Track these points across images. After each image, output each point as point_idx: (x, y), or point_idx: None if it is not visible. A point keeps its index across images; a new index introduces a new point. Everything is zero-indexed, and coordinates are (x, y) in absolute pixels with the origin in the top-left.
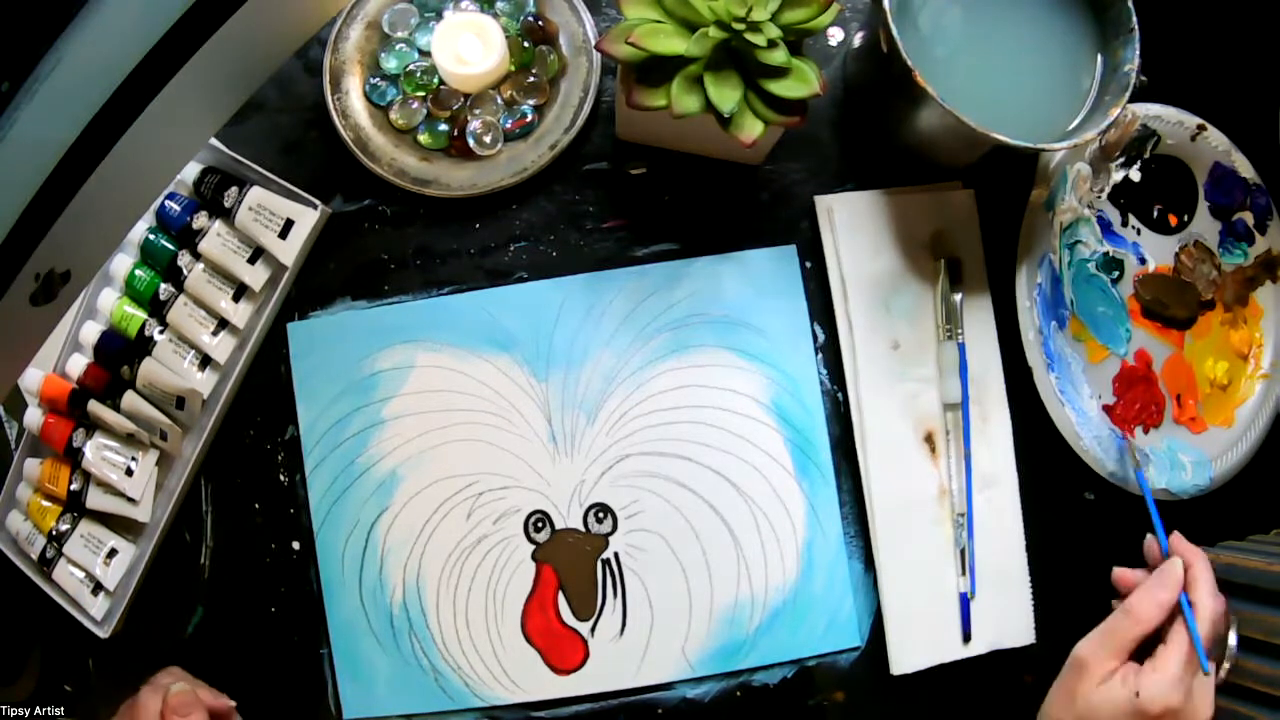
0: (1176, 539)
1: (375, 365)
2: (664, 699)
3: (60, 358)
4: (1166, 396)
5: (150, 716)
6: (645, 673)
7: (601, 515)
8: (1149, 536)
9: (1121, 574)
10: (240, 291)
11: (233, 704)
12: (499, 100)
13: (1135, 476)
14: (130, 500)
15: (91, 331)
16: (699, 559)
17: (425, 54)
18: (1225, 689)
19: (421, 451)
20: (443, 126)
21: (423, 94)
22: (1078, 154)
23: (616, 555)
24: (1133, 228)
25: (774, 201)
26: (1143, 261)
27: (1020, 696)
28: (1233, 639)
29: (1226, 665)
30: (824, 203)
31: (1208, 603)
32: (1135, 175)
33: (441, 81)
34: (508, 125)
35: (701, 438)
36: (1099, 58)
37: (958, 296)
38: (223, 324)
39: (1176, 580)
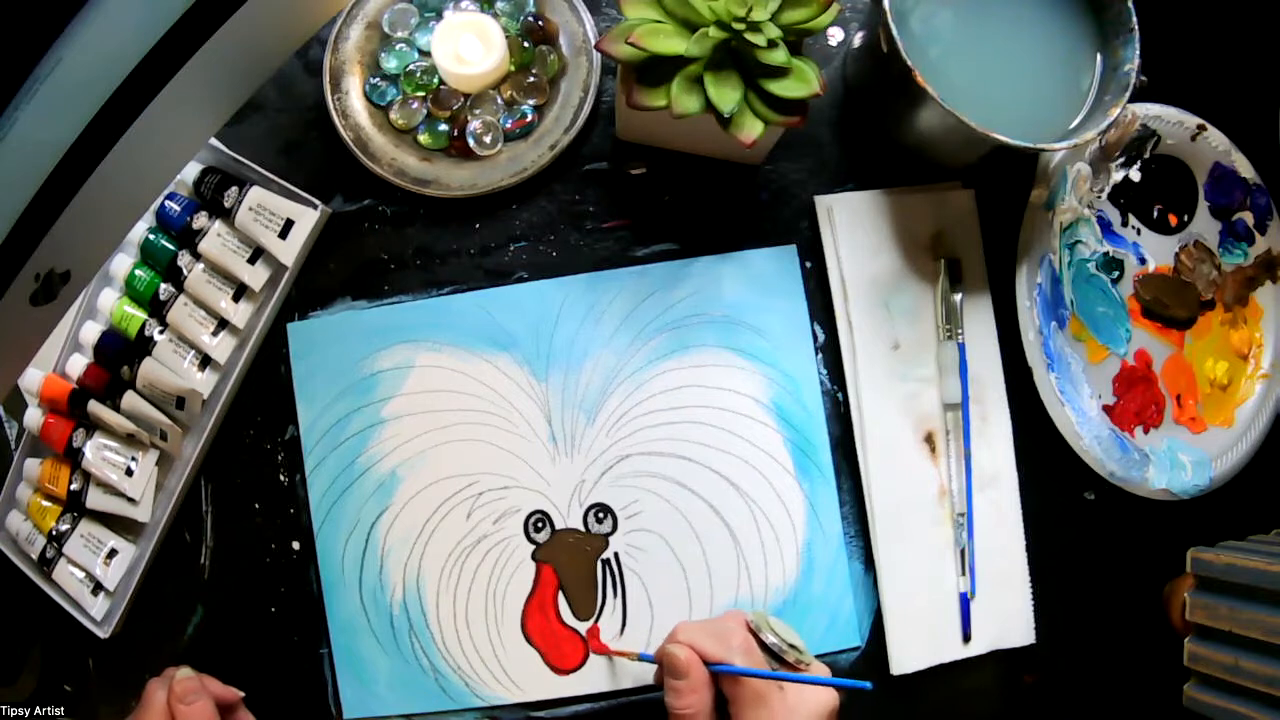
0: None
1: (375, 365)
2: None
3: (60, 358)
4: (1166, 396)
5: (157, 706)
6: (645, 673)
7: (601, 515)
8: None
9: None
10: (240, 291)
11: (241, 695)
12: (499, 100)
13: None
14: (130, 500)
15: (91, 331)
16: (699, 559)
17: (425, 54)
18: (1226, 688)
19: (421, 451)
20: (443, 126)
21: (423, 94)
22: (1078, 154)
23: (616, 555)
24: (1133, 228)
25: (774, 201)
26: (1143, 261)
27: (1020, 696)
28: (768, 637)
29: (796, 651)
30: (824, 203)
31: (722, 648)
32: (1135, 175)
33: (441, 81)
34: (508, 125)
35: (701, 438)
36: (1099, 58)
37: (958, 296)
38: (223, 324)
39: (676, 667)
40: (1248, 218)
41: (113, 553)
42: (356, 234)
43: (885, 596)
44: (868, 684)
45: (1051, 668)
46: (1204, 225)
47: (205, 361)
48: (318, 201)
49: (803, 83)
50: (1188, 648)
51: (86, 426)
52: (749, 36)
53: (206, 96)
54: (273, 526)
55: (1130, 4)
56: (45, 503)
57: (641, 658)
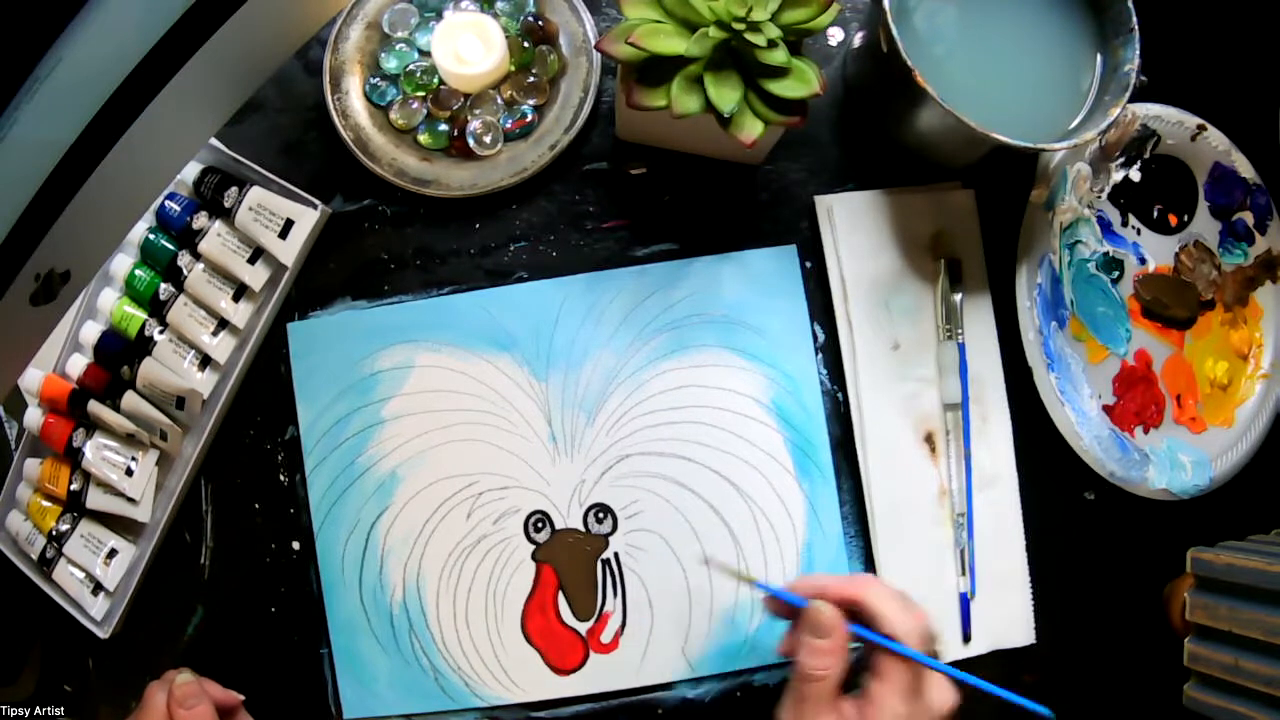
0: (824, 581)
1: (375, 365)
2: (664, 699)
3: (60, 358)
4: (1166, 396)
5: (158, 710)
6: (645, 673)
7: (601, 515)
8: (764, 598)
9: (780, 648)
10: (240, 291)
11: (241, 698)
12: (499, 100)
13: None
14: (130, 500)
15: (91, 331)
16: (699, 559)
17: (425, 54)
18: (1226, 688)
19: (421, 452)
20: (443, 126)
21: (423, 94)
22: (1078, 154)
23: (616, 555)
24: (1133, 228)
25: (774, 201)
26: (1143, 261)
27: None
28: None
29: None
30: (824, 203)
31: (898, 617)
32: (1135, 175)
33: (441, 81)
34: (508, 125)
35: (701, 438)
36: (1099, 57)
37: (958, 296)
38: (223, 324)
39: (829, 623)
40: (1248, 218)
41: (113, 553)
42: (356, 234)
43: None
44: (1049, 711)
45: (1051, 668)
46: (1204, 225)
47: (205, 361)
48: (318, 201)
49: (803, 83)
50: (1188, 648)
51: (86, 426)
52: (749, 36)
53: (206, 96)
54: (273, 526)
55: (1130, 4)
56: (45, 503)
57: (758, 586)
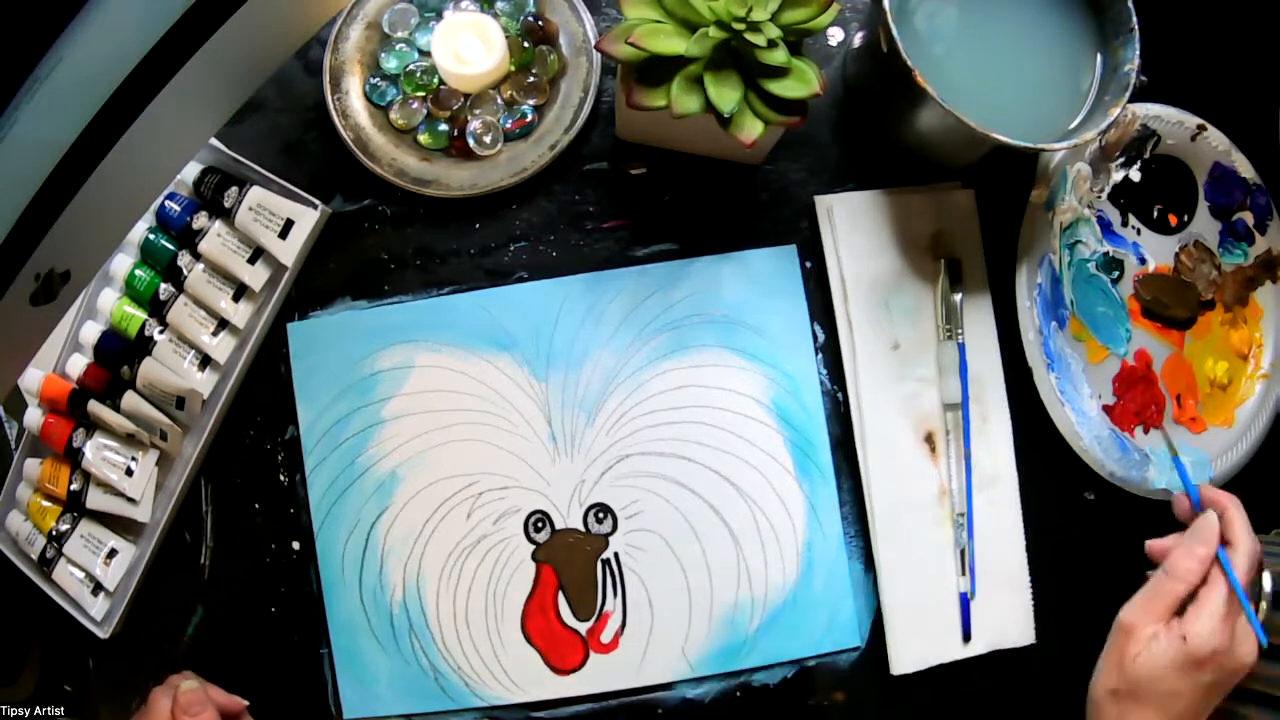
0: (1206, 488)
1: (375, 365)
2: (664, 699)
3: (60, 358)
4: (1166, 396)
5: (162, 715)
6: (645, 673)
7: (601, 515)
8: (1177, 495)
9: (1154, 544)
10: (240, 291)
11: (244, 704)
12: (499, 100)
13: (1174, 464)
14: (130, 500)
15: (91, 331)
16: (699, 559)
17: (425, 54)
18: None
19: (421, 452)
20: (443, 126)
21: (423, 94)
22: (1078, 154)
23: (616, 555)
24: (1133, 228)
25: (774, 201)
26: (1143, 261)
27: (1020, 696)
28: (1267, 582)
29: (1264, 605)
30: (824, 203)
31: (1245, 540)
32: (1135, 175)
33: (441, 81)
34: (508, 125)
35: (701, 438)
36: (1099, 57)
37: (958, 296)
38: (223, 324)
39: (1213, 533)
40: (1248, 218)
41: (113, 553)
42: (356, 234)
43: (885, 596)
44: None
45: (1052, 668)
46: (1204, 225)
47: (205, 361)
48: (318, 201)
49: (803, 83)
50: None
51: (86, 426)
52: (749, 36)
53: (206, 96)
54: (273, 526)
55: (1130, 4)
56: (45, 503)
57: (1180, 474)
